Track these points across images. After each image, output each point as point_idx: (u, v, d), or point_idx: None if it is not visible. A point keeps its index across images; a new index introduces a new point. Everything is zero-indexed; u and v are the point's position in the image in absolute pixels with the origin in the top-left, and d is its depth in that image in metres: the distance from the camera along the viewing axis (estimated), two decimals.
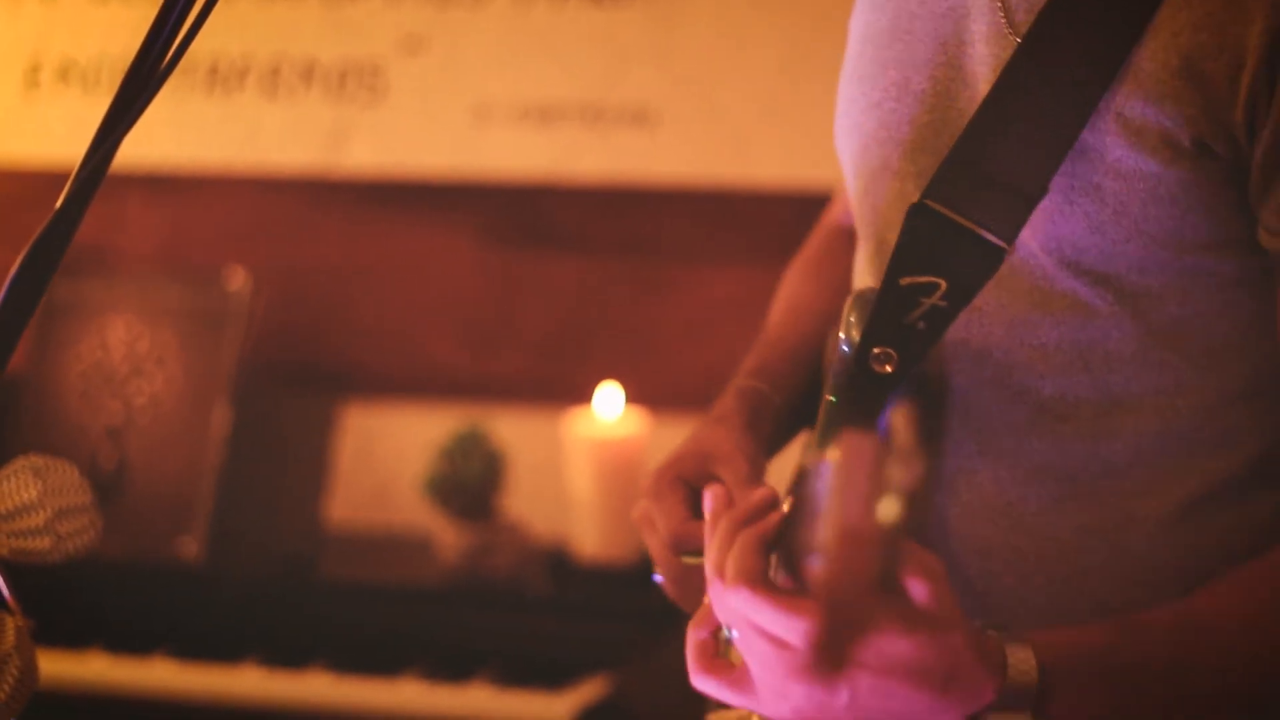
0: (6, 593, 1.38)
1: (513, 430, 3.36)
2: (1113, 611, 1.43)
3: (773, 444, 1.68)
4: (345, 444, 3.41)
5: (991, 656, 1.28)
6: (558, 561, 3.22)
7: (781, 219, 3.38)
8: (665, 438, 3.29)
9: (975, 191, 1.41)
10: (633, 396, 3.28)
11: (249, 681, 2.99)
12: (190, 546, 3.17)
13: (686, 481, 1.59)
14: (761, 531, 1.27)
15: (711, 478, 1.59)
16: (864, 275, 1.60)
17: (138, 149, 3.52)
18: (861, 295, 1.49)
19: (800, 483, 1.13)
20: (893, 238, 1.53)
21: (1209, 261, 1.42)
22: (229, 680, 3.00)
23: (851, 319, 1.47)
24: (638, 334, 3.50)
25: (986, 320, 1.48)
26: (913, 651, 1.21)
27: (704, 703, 3.38)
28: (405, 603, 3.18)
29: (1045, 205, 1.41)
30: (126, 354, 3.32)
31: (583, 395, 3.31)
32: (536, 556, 3.24)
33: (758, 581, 1.24)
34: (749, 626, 1.26)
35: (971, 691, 1.26)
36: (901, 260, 1.43)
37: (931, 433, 1.51)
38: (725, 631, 1.34)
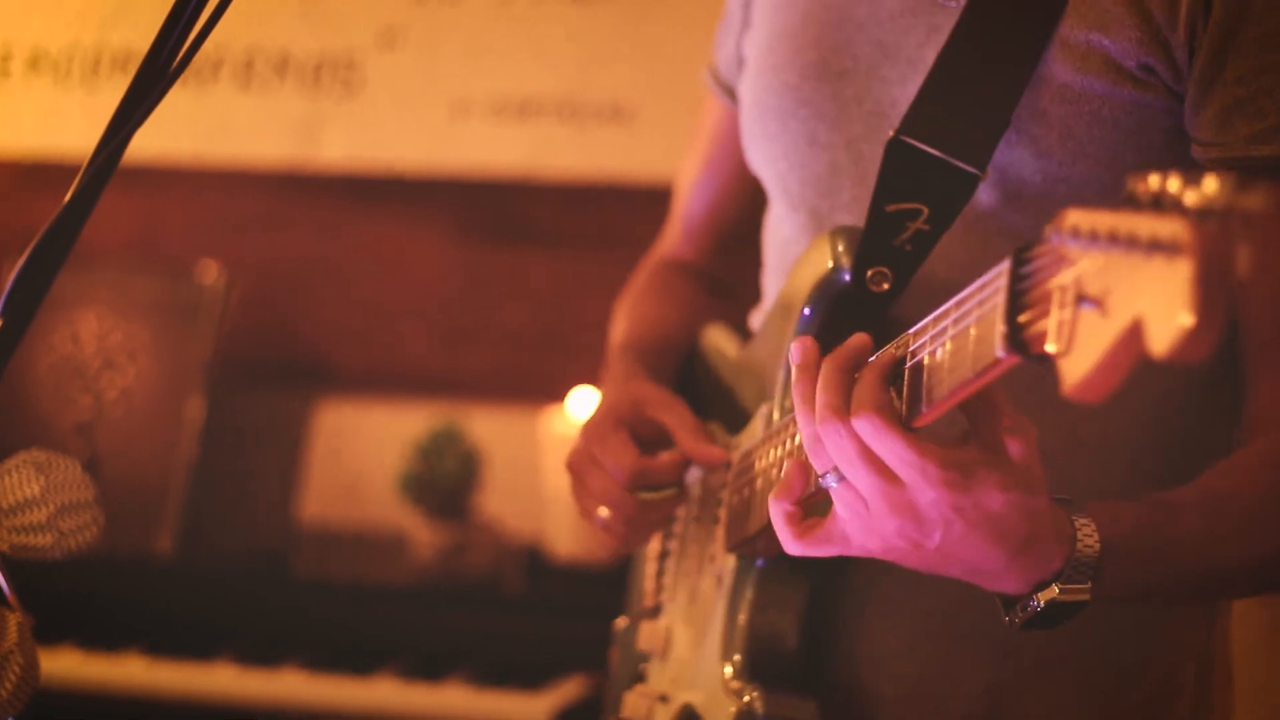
0: (7, 589, 1.36)
1: (488, 428, 3.34)
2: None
3: None
4: (318, 440, 3.39)
5: (1061, 525, 1.33)
6: (533, 560, 3.21)
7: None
8: None
9: (944, 125, 1.52)
10: None
11: (223, 679, 2.97)
12: (162, 542, 3.14)
13: (626, 425, 1.67)
14: (883, 365, 1.29)
15: (648, 421, 1.68)
16: (799, 244, 1.65)
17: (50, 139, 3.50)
18: (838, 231, 1.56)
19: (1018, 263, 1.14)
20: (826, 204, 1.63)
21: None
22: (202, 677, 2.98)
23: (840, 248, 1.54)
24: (608, 331, 3.48)
25: (934, 262, 1.54)
26: (1005, 509, 1.25)
27: None
28: (380, 601, 3.16)
29: None
30: (98, 347, 3.30)
31: (558, 393, 3.29)
32: (512, 555, 3.23)
33: (887, 412, 1.26)
34: (861, 460, 1.27)
35: (1042, 558, 1.31)
36: (885, 189, 1.53)
37: None
38: (821, 480, 1.33)
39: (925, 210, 1.51)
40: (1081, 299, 1.03)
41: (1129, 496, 1.43)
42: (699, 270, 2.01)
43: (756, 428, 1.62)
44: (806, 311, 1.57)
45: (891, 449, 1.26)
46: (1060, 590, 1.33)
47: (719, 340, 1.84)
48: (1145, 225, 0.98)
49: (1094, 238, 1.02)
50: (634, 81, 3.43)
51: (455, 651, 3.02)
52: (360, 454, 3.52)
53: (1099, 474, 1.56)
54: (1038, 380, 1.49)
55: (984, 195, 1.52)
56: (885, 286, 1.52)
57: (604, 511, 1.68)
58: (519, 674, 2.93)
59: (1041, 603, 1.33)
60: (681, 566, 1.71)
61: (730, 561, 1.60)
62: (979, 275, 1.48)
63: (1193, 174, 0.98)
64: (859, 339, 1.35)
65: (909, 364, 1.27)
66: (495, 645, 3.04)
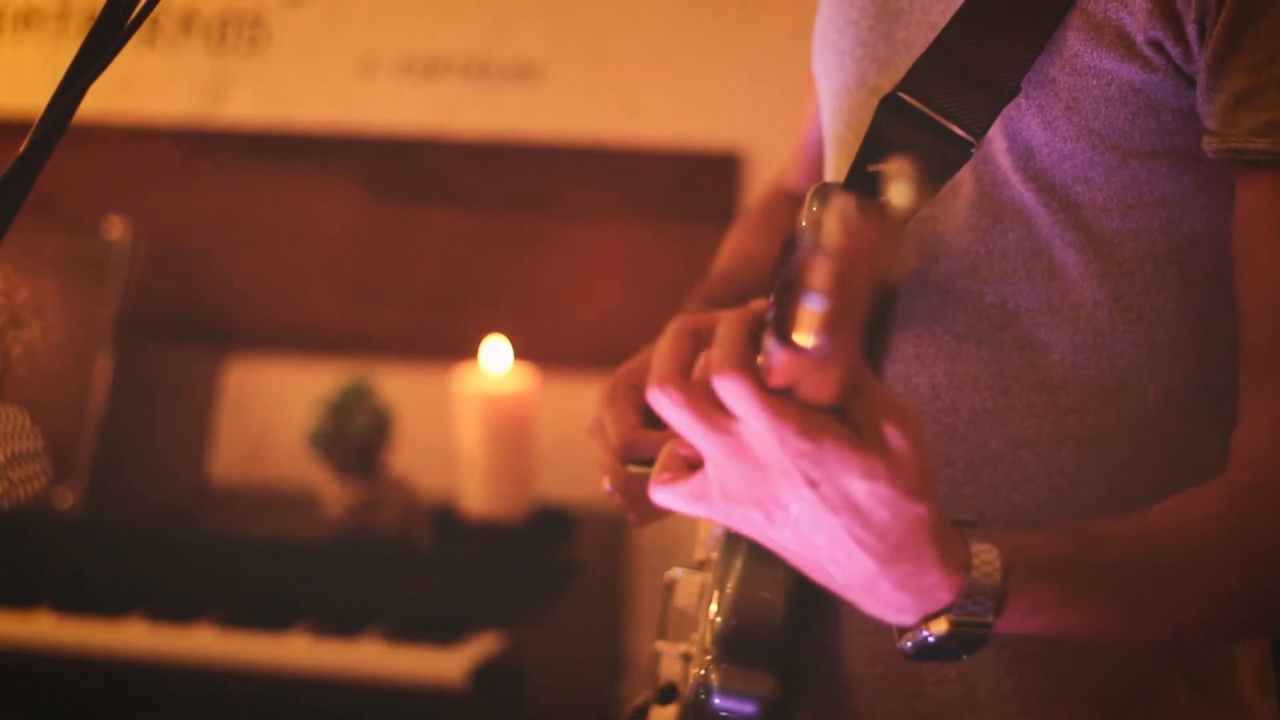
0: None
1: (398, 386, 3.35)
2: (1038, 526, 1.42)
3: None
4: (226, 398, 3.39)
5: (954, 551, 1.22)
6: (445, 517, 3.21)
7: (669, 177, 3.41)
8: (553, 394, 3.31)
9: (947, 85, 1.44)
10: (519, 353, 3.28)
11: (134, 635, 2.96)
12: (68, 498, 3.13)
13: (639, 389, 1.59)
14: (743, 317, 1.19)
15: None
16: None
17: (12, 97, 3.48)
18: (822, 187, 1.50)
19: (785, 259, 1.12)
20: (869, 156, 1.55)
21: (1150, 172, 1.45)
22: (114, 634, 2.97)
23: (814, 207, 1.47)
24: (523, 290, 3.50)
25: (936, 224, 1.51)
26: (868, 500, 1.15)
27: (599, 659, 3.42)
28: (291, 558, 3.16)
29: None
30: (3, 304, 3.27)
31: (469, 351, 3.31)
32: (423, 512, 3.24)
33: (741, 365, 1.15)
34: (700, 420, 1.19)
35: (922, 579, 1.21)
36: (870, 147, 1.46)
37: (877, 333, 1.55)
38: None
39: None
40: (809, 294, 1.02)
41: (1074, 512, 1.40)
42: None
43: None
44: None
45: (749, 409, 1.14)
46: (952, 625, 1.22)
47: None
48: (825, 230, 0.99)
49: (812, 235, 1.02)
50: (543, 40, 3.44)
51: (368, 608, 3.03)
52: (269, 411, 3.52)
53: (1086, 469, 1.49)
54: (1028, 368, 1.50)
55: (997, 163, 1.47)
56: None
57: (605, 481, 1.61)
58: (433, 630, 2.94)
59: (931, 635, 1.23)
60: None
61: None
62: (982, 245, 1.49)
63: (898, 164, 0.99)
64: (718, 315, 1.25)
65: (766, 320, 1.17)
66: (408, 602, 3.05)
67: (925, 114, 1.44)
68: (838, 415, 1.14)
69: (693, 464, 1.27)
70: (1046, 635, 1.35)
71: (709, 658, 1.48)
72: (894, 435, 1.14)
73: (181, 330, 3.51)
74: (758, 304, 1.22)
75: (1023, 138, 1.45)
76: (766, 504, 1.19)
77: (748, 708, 1.47)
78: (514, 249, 3.49)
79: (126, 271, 3.25)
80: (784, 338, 1.06)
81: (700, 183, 3.39)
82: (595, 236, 3.45)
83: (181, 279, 3.54)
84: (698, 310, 1.72)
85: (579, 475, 3.37)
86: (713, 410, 1.17)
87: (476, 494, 3.17)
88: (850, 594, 1.23)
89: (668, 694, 1.73)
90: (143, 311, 3.34)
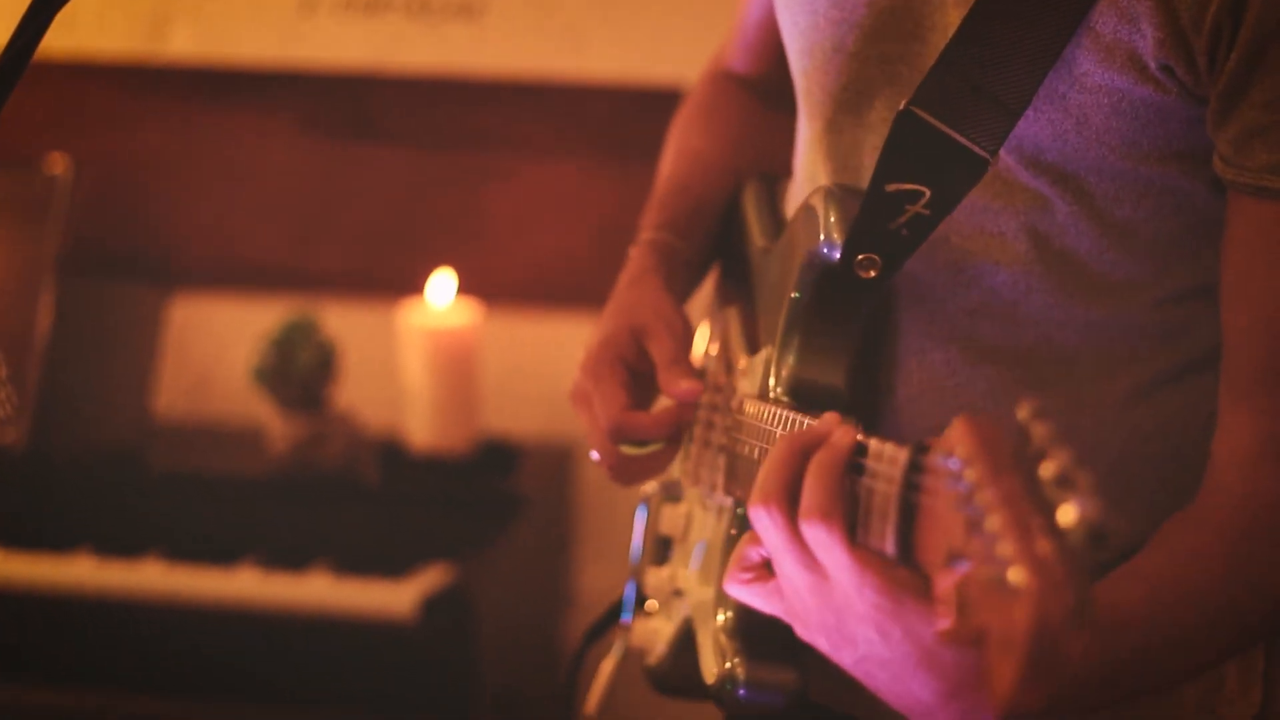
0: None
1: (343, 322, 3.35)
2: None
3: (686, 294, 1.71)
4: (170, 334, 3.39)
5: None
6: (391, 451, 3.23)
7: (612, 112, 3.41)
8: (497, 328, 3.33)
9: (962, 102, 1.41)
10: (463, 288, 3.29)
11: (81, 571, 2.97)
12: (14, 435, 3.13)
13: (624, 361, 1.60)
14: (836, 458, 1.24)
15: (646, 354, 1.60)
16: (822, 160, 1.60)
17: None
18: (833, 194, 1.49)
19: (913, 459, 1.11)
20: (850, 120, 1.55)
21: (1163, 172, 1.45)
22: (61, 570, 2.97)
23: (831, 220, 1.47)
24: (466, 226, 3.50)
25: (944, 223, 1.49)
26: (935, 644, 1.21)
27: (547, 590, 3.44)
28: (237, 493, 3.17)
29: None
30: None
31: (413, 287, 3.31)
32: (368, 446, 3.25)
33: (833, 518, 1.22)
34: (789, 551, 1.26)
35: (975, 713, 1.26)
36: (887, 166, 1.43)
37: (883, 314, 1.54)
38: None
39: (927, 193, 1.42)
40: (954, 556, 1.02)
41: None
42: (754, 81, 1.90)
43: (758, 369, 1.57)
44: (794, 295, 1.51)
45: (835, 559, 1.22)
46: None
47: (751, 211, 1.75)
48: (1002, 544, 0.97)
49: (969, 502, 1.01)
50: None
51: (316, 542, 3.04)
52: (213, 347, 3.52)
53: (1103, 437, 1.51)
54: (1043, 342, 1.50)
55: (1008, 159, 1.45)
56: (873, 274, 1.45)
57: (594, 453, 1.62)
58: (382, 563, 2.96)
59: None
60: (700, 466, 1.63)
61: (729, 501, 1.56)
62: (994, 227, 1.47)
63: (1072, 469, 0.97)
64: (829, 428, 1.28)
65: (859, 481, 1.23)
66: (356, 535, 3.06)
67: (943, 133, 1.42)
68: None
69: (770, 565, 1.34)
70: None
71: (731, 653, 1.50)
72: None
73: (124, 267, 3.50)
74: (848, 435, 1.25)
75: (1031, 144, 1.44)
76: (834, 635, 1.27)
77: (775, 699, 1.50)
78: (458, 185, 3.49)
79: (68, 208, 3.24)
80: (907, 558, 1.10)
81: (645, 119, 3.38)
82: (539, 172, 3.46)
83: (124, 216, 3.53)
84: (659, 233, 1.73)
85: (524, 409, 3.40)
86: (805, 544, 1.25)
87: (422, 428, 3.19)
88: (902, 709, 1.30)
89: (643, 599, 1.76)
90: (85, 248, 3.33)
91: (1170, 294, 1.50)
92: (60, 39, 3.46)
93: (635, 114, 3.39)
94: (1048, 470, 0.98)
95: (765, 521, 1.27)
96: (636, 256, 1.71)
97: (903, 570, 1.19)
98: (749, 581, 1.35)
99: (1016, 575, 0.95)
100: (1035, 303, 1.50)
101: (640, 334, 1.61)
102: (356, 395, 3.33)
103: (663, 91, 3.37)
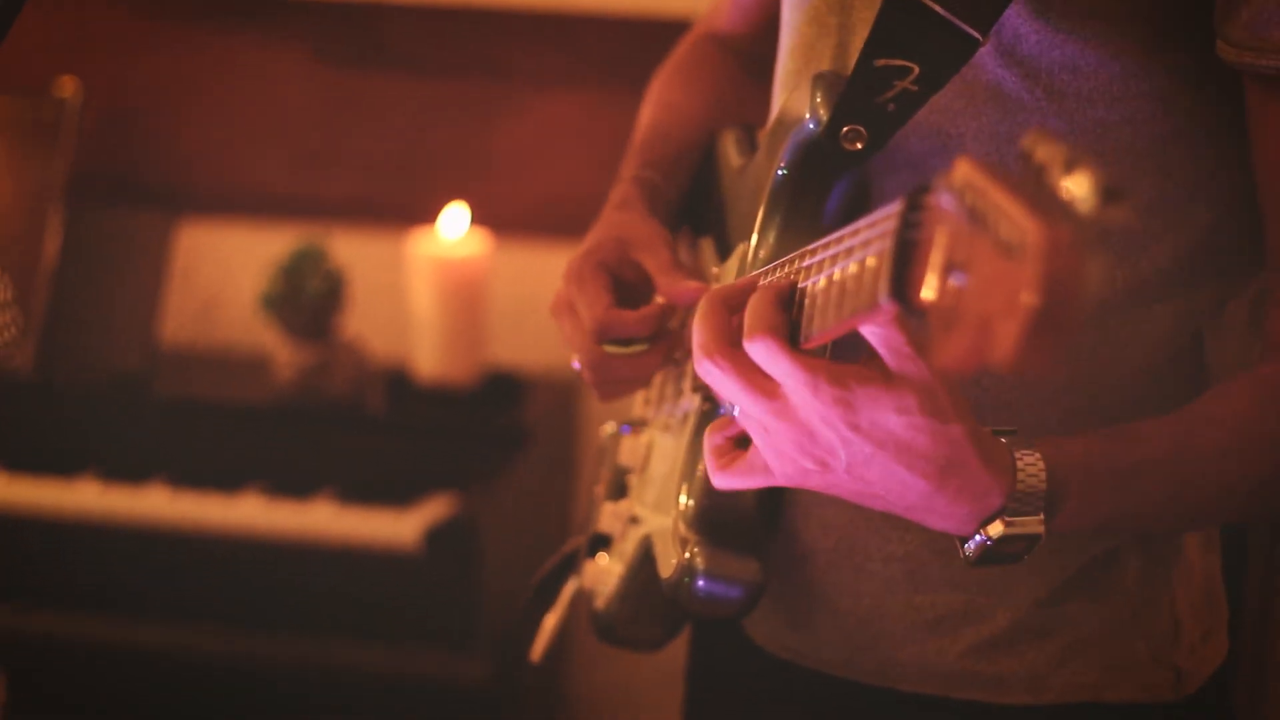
0: None
1: (351, 251, 3.34)
2: (1004, 414, 1.46)
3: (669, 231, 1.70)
4: (177, 260, 3.38)
5: (997, 458, 1.29)
6: (397, 381, 3.22)
7: (624, 43, 3.39)
8: (507, 259, 3.32)
9: None
10: (473, 219, 3.28)
11: (86, 496, 2.97)
12: (18, 358, 3.12)
13: (608, 268, 1.60)
14: (780, 285, 1.27)
15: (632, 264, 1.61)
16: (807, 59, 1.59)
17: None
18: (823, 76, 1.48)
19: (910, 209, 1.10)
20: (835, 20, 1.55)
21: (1142, 66, 1.43)
22: (65, 494, 2.98)
23: (818, 98, 1.46)
24: (476, 157, 3.49)
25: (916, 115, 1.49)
26: (906, 431, 1.22)
27: (551, 521, 3.44)
28: (244, 420, 3.17)
29: None
30: None
31: (420, 217, 3.30)
32: (375, 376, 3.25)
33: (770, 330, 1.24)
34: (744, 389, 1.27)
35: (974, 488, 1.28)
36: (877, 42, 1.43)
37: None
38: (728, 408, 1.35)
39: (916, 69, 1.42)
40: (952, 268, 1.01)
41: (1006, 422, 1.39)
42: (740, 46, 1.92)
43: (732, 266, 1.57)
44: (779, 172, 1.50)
45: (781, 368, 1.23)
46: (1007, 525, 1.30)
47: (728, 148, 1.75)
48: (1006, 221, 0.96)
49: (972, 212, 1.00)
50: None
51: (320, 471, 3.04)
52: (221, 274, 3.51)
53: (1123, 391, 1.50)
54: None
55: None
56: (859, 146, 1.44)
57: (575, 360, 1.62)
58: (386, 492, 2.96)
59: (990, 537, 1.30)
60: (667, 384, 1.66)
61: (695, 401, 1.56)
62: (953, 127, 1.47)
63: (1078, 156, 0.97)
64: (747, 281, 1.34)
65: (799, 288, 1.25)
66: (360, 464, 3.06)
67: (932, 10, 1.41)
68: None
69: (739, 442, 1.35)
70: (1101, 533, 1.45)
71: (692, 542, 1.49)
72: (916, 367, 1.20)
73: (133, 192, 3.49)
74: (783, 275, 1.29)
75: (1012, 24, 1.43)
76: (817, 455, 1.26)
77: (733, 592, 1.49)
78: (468, 115, 3.48)
79: (77, 132, 3.22)
80: (901, 296, 1.07)
81: (657, 51, 3.33)
82: (550, 104, 3.44)
83: (133, 141, 3.52)
84: (643, 170, 1.74)
85: (531, 340, 3.39)
86: (757, 375, 1.26)
87: (429, 358, 3.18)
88: (914, 515, 1.31)
89: (597, 544, 1.76)
90: (94, 173, 3.32)
91: (1134, 205, 1.47)
92: None
93: (647, 46, 3.33)
94: (1052, 164, 0.98)
95: (713, 371, 1.28)
96: (620, 190, 1.72)
97: (853, 365, 1.22)
98: (728, 465, 1.35)
99: (1021, 235, 0.94)
100: None
101: (628, 245, 1.61)
102: (364, 324, 3.32)
103: (675, 23, 3.33)
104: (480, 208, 3.31)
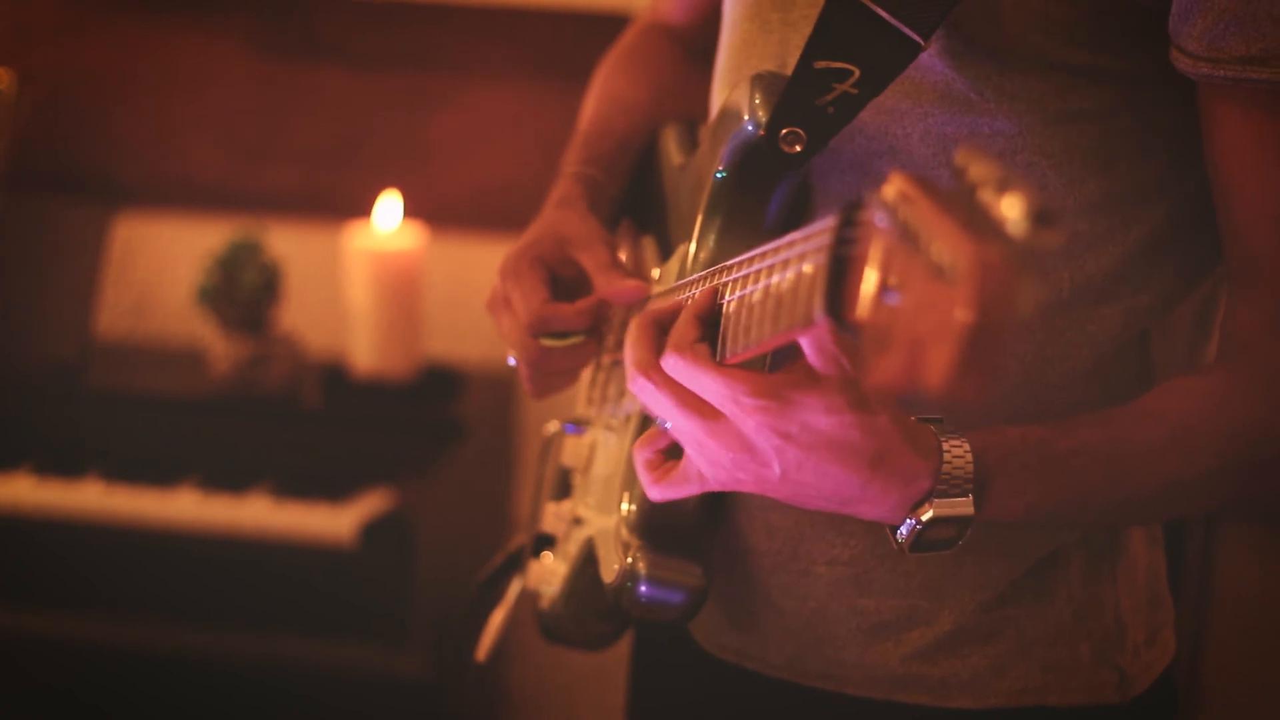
0: None
1: (287, 243, 3.34)
2: (951, 412, 1.44)
3: (608, 229, 1.70)
4: (112, 253, 3.36)
5: (923, 441, 1.31)
6: (334, 375, 3.22)
7: (559, 35, 3.39)
8: (441, 251, 3.32)
9: None
10: (409, 211, 3.27)
11: (20, 489, 2.96)
12: None
13: (545, 263, 1.60)
14: (699, 304, 1.30)
15: (570, 261, 1.60)
16: (746, 57, 1.59)
17: None
18: (762, 77, 1.48)
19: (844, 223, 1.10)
20: (777, 17, 1.54)
21: (1091, 67, 1.43)
22: None
23: (757, 99, 1.45)
24: (412, 149, 3.48)
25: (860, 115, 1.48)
26: (836, 428, 1.24)
27: (488, 516, 3.44)
28: (178, 413, 3.15)
29: None
30: None
31: (358, 209, 3.30)
32: (311, 369, 3.24)
33: (687, 347, 1.27)
34: (676, 406, 1.29)
35: (905, 476, 1.30)
36: (817, 43, 1.42)
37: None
38: (659, 423, 1.36)
39: (856, 72, 1.41)
40: (886, 287, 1.01)
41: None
42: (685, 36, 1.91)
43: (673, 268, 1.57)
44: (718, 174, 1.50)
45: (703, 384, 1.26)
46: (936, 507, 1.31)
47: (669, 144, 1.75)
48: (938, 241, 0.96)
49: (905, 229, 1.00)
50: None
51: (257, 465, 3.03)
52: (156, 267, 3.50)
53: (1068, 391, 1.51)
54: None
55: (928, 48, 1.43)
56: (798, 148, 1.44)
57: (511, 355, 1.62)
58: (322, 486, 2.96)
59: (920, 520, 1.32)
60: (609, 385, 1.66)
61: (637, 405, 1.56)
62: (899, 128, 1.46)
63: (1011, 177, 0.96)
64: (675, 303, 1.35)
65: (724, 304, 1.27)
66: (297, 458, 3.05)
67: (875, 13, 1.40)
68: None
69: (669, 452, 1.38)
70: (1033, 521, 1.44)
71: (634, 547, 1.49)
72: (841, 365, 1.21)
73: (68, 184, 3.47)
74: (705, 293, 1.31)
75: (964, 30, 1.42)
76: (749, 465, 1.29)
77: (675, 597, 1.50)
78: (404, 107, 3.47)
79: (12, 123, 3.21)
80: (836, 314, 1.08)
81: (593, 42, 3.33)
82: (486, 96, 3.44)
83: (69, 133, 3.50)
84: (584, 167, 1.74)
85: (468, 334, 3.39)
86: (687, 391, 1.29)
87: (365, 351, 3.18)
88: (849, 508, 1.33)
89: (541, 543, 1.76)
90: (29, 165, 3.31)
91: (1081, 204, 1.48)
92: None
93: (582, 37, 3.37)
94: (984, 183, 0.98)
95: (647, 388, 1.31)
96: (561, 186, 1.71)
97: (777, 373, 1.24)
98: (662, 477, 1.37)
99: (953, 257, 0.94)
100: None
101: (566, 243, 1.61)
102: (300, 318, 3.32)
103: (610, 15, 3.35)
104: (416, 200, 3.31)
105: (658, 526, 1.50)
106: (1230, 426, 1.43)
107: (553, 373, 1.63)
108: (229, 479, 2.98)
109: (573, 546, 1.67)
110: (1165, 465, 1.42)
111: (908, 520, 1.33)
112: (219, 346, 3.21)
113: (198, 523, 2.92)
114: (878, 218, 1.03)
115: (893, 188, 1.02)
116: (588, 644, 1.70)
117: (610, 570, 1.52)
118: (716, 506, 1.58)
